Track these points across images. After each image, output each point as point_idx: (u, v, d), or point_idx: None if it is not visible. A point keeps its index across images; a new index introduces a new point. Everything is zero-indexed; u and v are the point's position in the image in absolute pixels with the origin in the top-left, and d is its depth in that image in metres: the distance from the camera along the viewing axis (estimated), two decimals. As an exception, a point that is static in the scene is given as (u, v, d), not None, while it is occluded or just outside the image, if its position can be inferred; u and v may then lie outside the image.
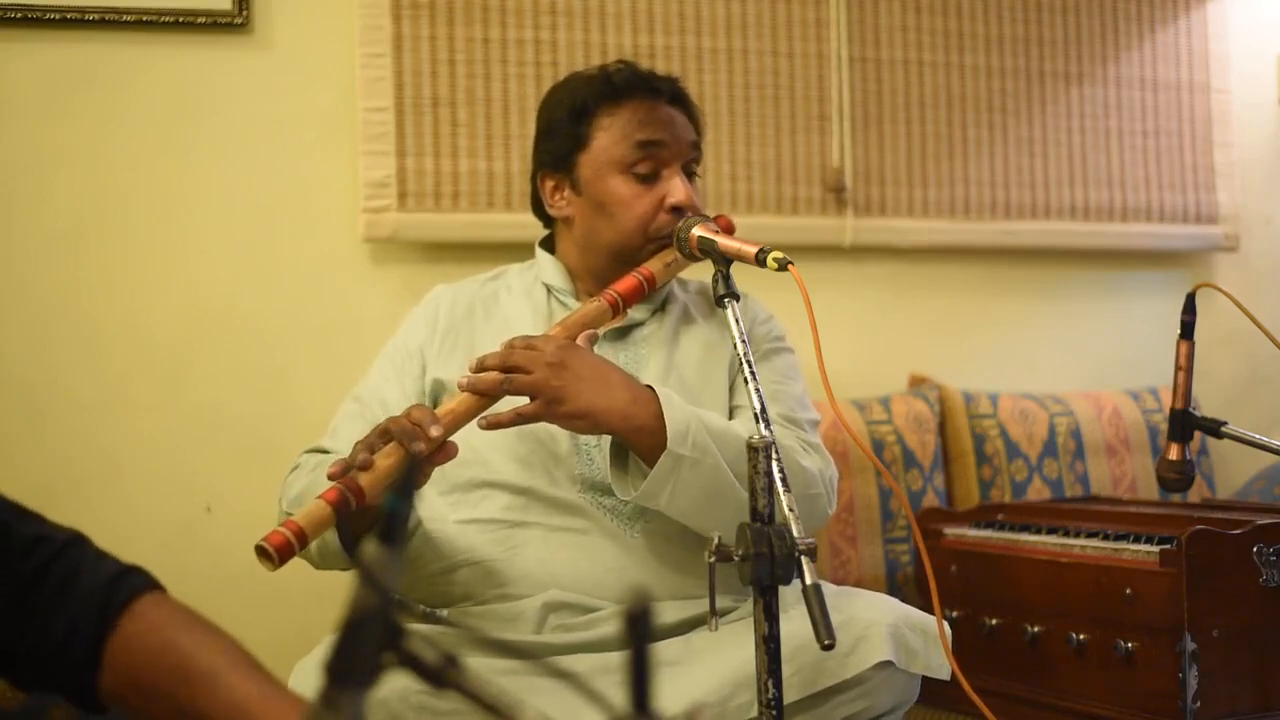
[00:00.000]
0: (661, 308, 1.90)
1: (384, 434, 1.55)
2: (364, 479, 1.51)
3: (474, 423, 1.61)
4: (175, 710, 1.05)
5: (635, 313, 1.85)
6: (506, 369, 1.61)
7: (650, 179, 1.81)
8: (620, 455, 1.68)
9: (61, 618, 1.08)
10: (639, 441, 1.63)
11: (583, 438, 1.75)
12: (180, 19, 2.52)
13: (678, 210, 1.79)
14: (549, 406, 1.61)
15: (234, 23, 2.55)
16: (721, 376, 1.84)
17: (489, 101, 2.69)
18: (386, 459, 1.53)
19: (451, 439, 1.58)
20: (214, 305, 2.56)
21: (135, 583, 1.11)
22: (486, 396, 1.61)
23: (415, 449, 1.52)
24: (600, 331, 1.75)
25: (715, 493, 1.63)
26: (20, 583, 1.09)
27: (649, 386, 1.66)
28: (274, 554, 1.44)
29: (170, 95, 2.55)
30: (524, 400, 1.61)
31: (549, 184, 1.88)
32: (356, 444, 1.56)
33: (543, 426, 1.70)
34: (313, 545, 1.68)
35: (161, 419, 2.52)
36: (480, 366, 1.63)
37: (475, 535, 1.73)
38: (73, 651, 1.08)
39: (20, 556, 1.10)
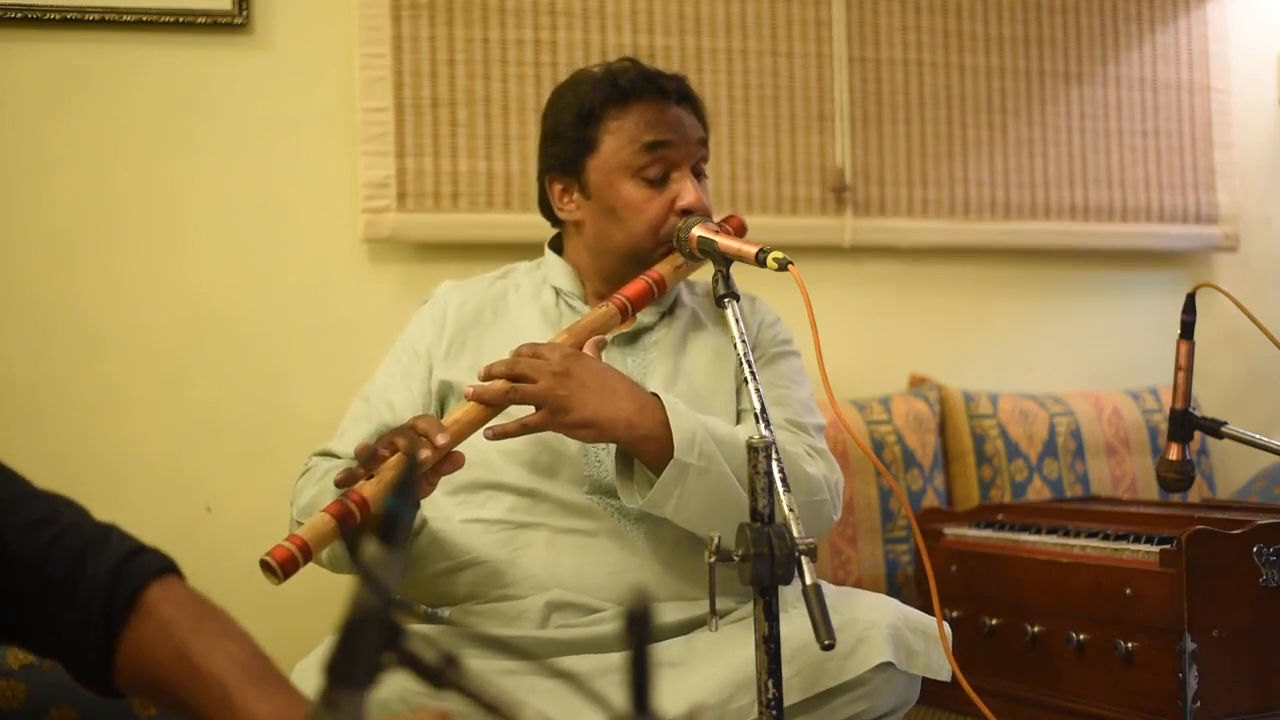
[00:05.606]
0: (670, 311, 1.88)
1: (389, 445, 1.54)
2: (368, 491, 1.50)
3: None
4: (189, 716, 1.04)
5: (643, 317, 1.84)
6: (512, 378, 1.60)
7: (660, 181, 1.79)
8: (626, 462, 1.67)
9: (68, 614, 1.06)
10: (645, 450, 1.62)
11: None
12: (180, 19, 2.52)
13: (688, 213, 1.77)
14: (554, 416, 1.59)
15: (234, 23, 2.55)
16: (729, 381, 1.83)
17: (489, 101, 2.69)
18: (392, 470, 1.52)
19: (458, 447, 1.58)
20: (213, 305, 2.56)
21: (142, 569, 1.08)
22: (493, 406, 1.61)
23: (420, 458, 1.51)
24: (609, 337, 1.75)
25: (722, 501, 1.62)
26: (18, 575, 1.06)
27: (655, 394, 1.65)
28: (278, 568, 1.44)
29: (170, 95, 2.55)
30: (531, 409, 1.61)
31: (557, 187, 1.86)
32: (356, 448, 1.56)
33: None
34: (323, 554, 1.68)
35: (161, 419, 2.52)
36: (487, 375, 1.61)
37: (480, 535, 1.72)
38: (84, 649, 1.06)
39: (17, 545, 1.07)
